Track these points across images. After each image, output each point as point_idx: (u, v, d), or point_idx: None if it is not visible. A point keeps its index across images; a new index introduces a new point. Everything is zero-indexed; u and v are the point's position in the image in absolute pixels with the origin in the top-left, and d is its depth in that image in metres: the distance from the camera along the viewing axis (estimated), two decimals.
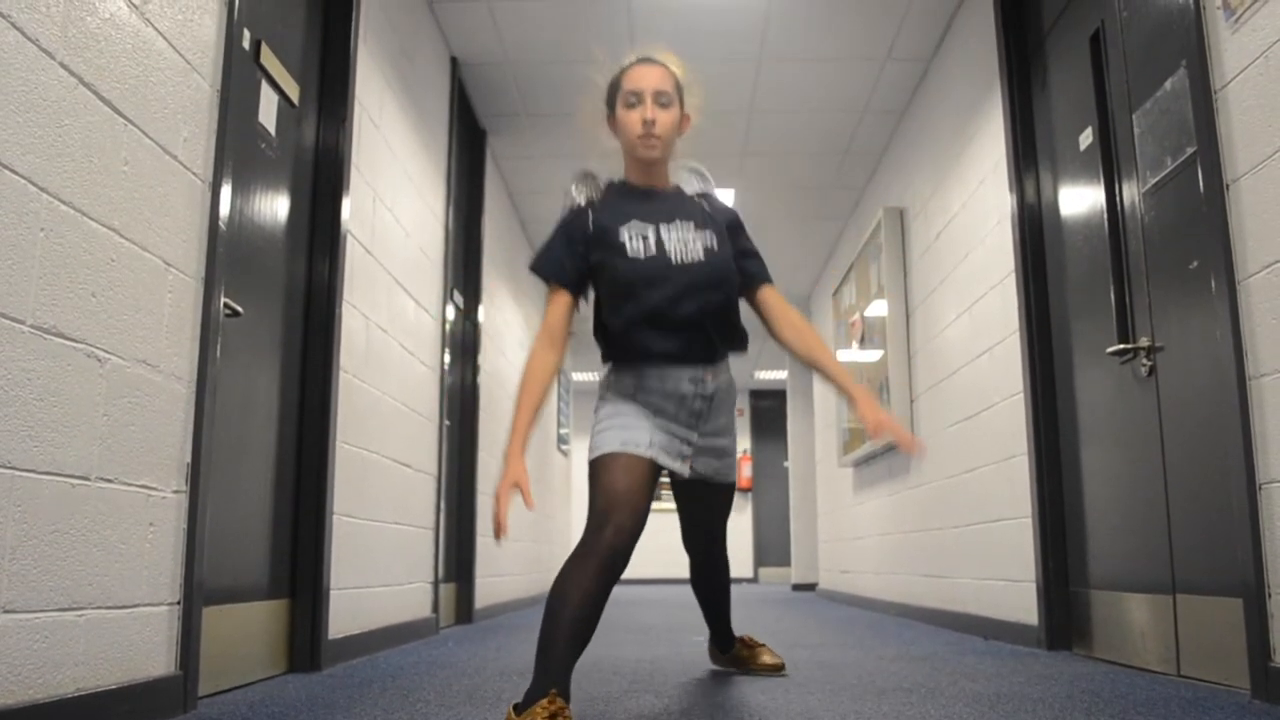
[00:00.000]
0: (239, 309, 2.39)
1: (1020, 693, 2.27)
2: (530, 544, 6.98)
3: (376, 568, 3.36)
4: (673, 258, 2.09)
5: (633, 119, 2.11)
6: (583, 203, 2.17)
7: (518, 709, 1.68)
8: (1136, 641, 2.78)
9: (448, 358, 4.41)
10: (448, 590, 4.64)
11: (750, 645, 2.74)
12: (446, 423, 4.42)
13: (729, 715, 1.99)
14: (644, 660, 3.00)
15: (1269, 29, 2.06)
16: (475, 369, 5.08)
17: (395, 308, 3.62)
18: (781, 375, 11.49)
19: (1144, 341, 2.69)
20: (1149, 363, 2.67)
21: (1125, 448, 2.84)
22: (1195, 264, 2.39)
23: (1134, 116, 2.72)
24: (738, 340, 2.25)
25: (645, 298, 2.08)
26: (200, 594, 2.08)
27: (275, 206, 2.72)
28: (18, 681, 1.54)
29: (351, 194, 3.12)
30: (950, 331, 4.35)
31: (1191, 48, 2.31)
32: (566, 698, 1.71)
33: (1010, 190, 3.55)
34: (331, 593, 2.89)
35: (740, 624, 2.94)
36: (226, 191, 2.22)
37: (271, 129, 2.66)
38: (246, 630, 2.50)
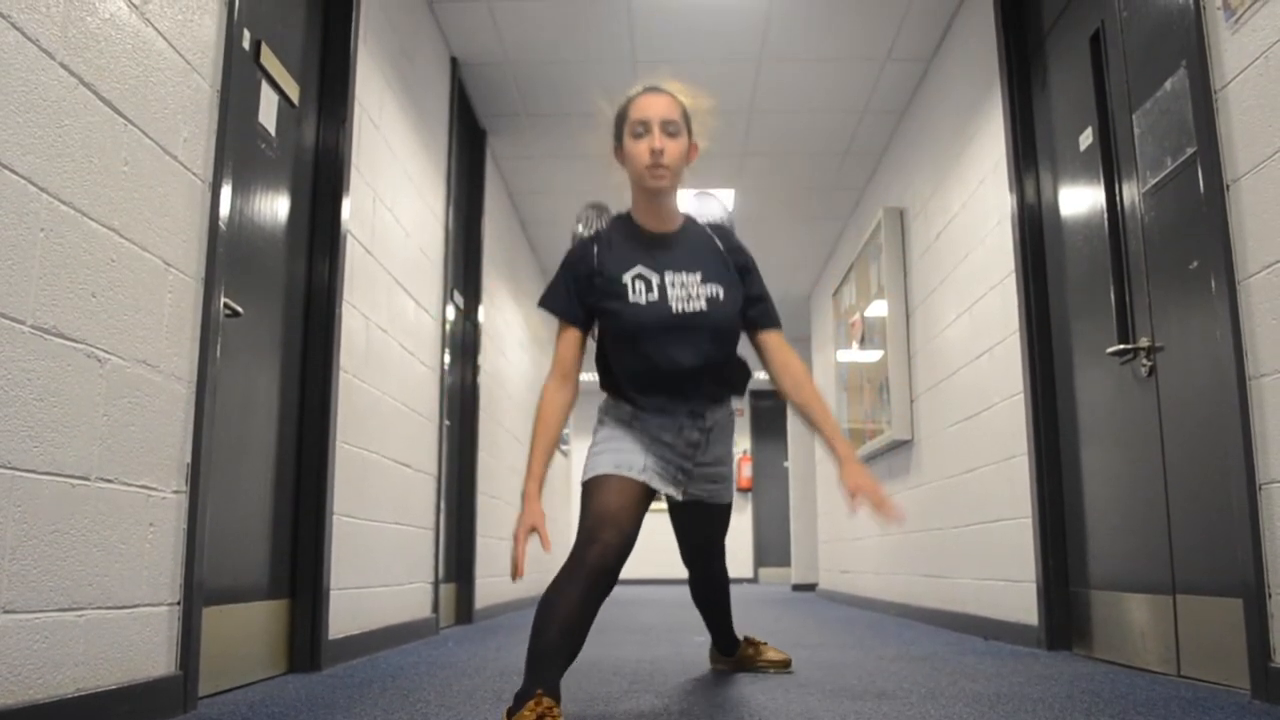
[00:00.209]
0: (239, 309, 2.39)
1: (1020, 693, 2.27)
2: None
3: (376, 568, 3.36)
4: (674, 306, 2.07)
5: (640, 149, 2.07)
6: (589, 237, 2.17)
7: (509, 713, 1.69)
8: (1136, 642, 2.78)
9: (448, 358, 4.41)
10: (448, 590, 4.64)
11: (754, 644, 2.75)
12: (446, 423, 4.42)
13: (729, 715, 1.99)
14: (644, 660, 3.00)
15: (1269, 29, 2.06)
16: (475, 369, 5.08)
17: (395, 308, 3.62)
18: None
19: (1144, 341, 2.69)
20: (1149, 363, 2.67)
21: (1125, 448, 2.84)
22: (1195, 264, 2.39)
23: (1134, 116, 2.72)
24: (738, 384, 2.25)
25: (645, 346, 2.08)
26: (200, 594, 2.08)
27: (275, 206, 2.72)
28: (18, 681, 1.54)
29: (351, 194, 3.12)
30: (950, 331, 4.35)
31: (1191, 48, 2.31)
32: (556, 699, 1.72)
33: (1010, 190, 3.55)
34: (331, 593, 2.89)
35: (740, 624, 2.94)
36: (226, 191, 2.22)
37: (271, 129, 2.66)
38: (246, 630, 2.50)
